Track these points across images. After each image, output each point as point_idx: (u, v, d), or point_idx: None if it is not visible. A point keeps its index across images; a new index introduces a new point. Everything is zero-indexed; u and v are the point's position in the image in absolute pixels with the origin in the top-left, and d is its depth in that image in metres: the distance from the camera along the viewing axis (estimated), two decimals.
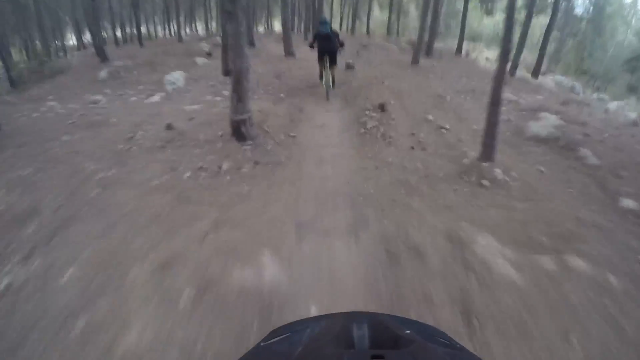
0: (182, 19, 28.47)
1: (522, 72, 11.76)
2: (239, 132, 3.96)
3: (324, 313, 0.72)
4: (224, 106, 4.93)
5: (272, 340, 0.58)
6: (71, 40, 22.50)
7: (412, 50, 14.58)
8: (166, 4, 19.04)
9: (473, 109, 5.94)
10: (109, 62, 9.96)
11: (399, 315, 0.79)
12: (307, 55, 9.55)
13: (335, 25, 28.60)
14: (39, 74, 11.78)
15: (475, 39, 25.15)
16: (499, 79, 3.40)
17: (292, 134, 4.45)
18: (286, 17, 8.89)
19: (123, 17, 19.64)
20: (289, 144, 4.20)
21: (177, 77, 7.08)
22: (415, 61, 8.84)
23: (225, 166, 3.63)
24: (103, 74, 8.76)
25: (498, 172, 3.44)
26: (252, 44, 11.78)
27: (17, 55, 14.59)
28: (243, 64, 3.69)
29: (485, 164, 3.51)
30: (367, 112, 5.17)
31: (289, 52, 9.11)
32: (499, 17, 21.17)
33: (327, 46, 5.98)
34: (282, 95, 5.89)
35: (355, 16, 21.51)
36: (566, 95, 9.02)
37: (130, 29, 19.95)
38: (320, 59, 6.09)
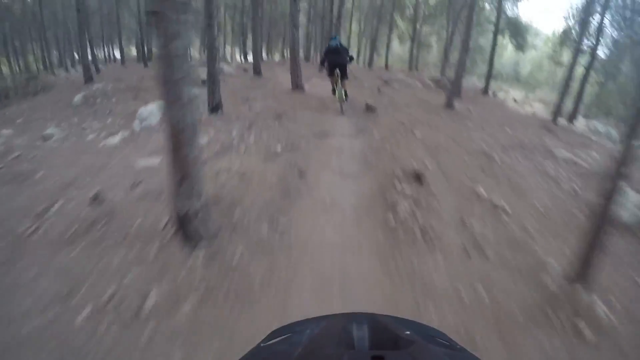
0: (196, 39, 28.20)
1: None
2: (185, 229, 2.32)
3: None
4: None
5: (272, 341, 0.57)
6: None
7: (435, 86, 13.26)
8: None
9: (528, 174, 4.34)
10: (92, 83, 8.70)
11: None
12: (319, 90, 8.12)
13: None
14: (25, 90, 10.68)
15: (496, 76, 23.91)
16: (621, 166, 1.81)
17: (280, 226, 2.78)
18: (294, 44, 7.52)
19: (130, 33, 18.94)
20: (272, 248, 2.53)
21: (152, 110, 5.62)
22: (449, 105, 7.29)
23: (151, 300, 2.00)
24: (78, 98, 7.42)
25: (601, 309, 1.96)
26: (258, 72, 10.50)
27: (12, 67, 13.70)
28: (184, 117, 2.06)
29: (580, 292, 1.92)
30: (396, 183, 3.52)
31: (296, 85, 7.68)
32: (534, 54, 19.96)
33: (338, 59, 5.99)
34: (278, 147, 4.30)
35: (373, 49, 20.49)
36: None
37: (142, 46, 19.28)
38: (331, 73, 6.08)
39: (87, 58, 9.55)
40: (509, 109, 11.34)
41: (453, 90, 7.35)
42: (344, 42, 25.58)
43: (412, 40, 19.14)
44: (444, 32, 21.73)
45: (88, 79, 8.76)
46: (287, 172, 3.67)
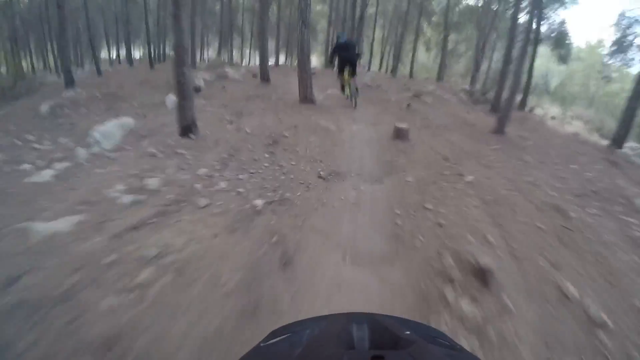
0: (203, 40, 27.31)
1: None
2: None
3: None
4: (129, 226, 2.02)
5: (272, 341, 0.57)
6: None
7: (470, 100, 11.53)
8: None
9: (617, 244, 2.86)
10: (71, 88, 7.53)
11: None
12: (335, 103, 6.62)
13: (375, 66, 26.30)
14: (12, 93, 9.71)
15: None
16: None
17: None
18: (304, 46, 5.99)
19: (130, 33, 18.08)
20: None
21: (112, 130, 4.28)
22: (499, 130, 5.64)
23: None
24: (45, 108, 6.22)
25: None
26: (265, 79, 9.12)
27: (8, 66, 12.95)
28: None
29: None
30: (446, 290, 2.01)
31: (305, 97, 6.20)
32: (576, 65, 17.74)
33: (347, 55, 5.94)
34: (259, 200, 2.80)
35: (398, 57, 18.91)
36: None
37: (151, 46, 18.36)
38: (341, 70, 6.08)
39: (69, 59, 8.41)
40: (553, 130, 9.49)
41: (506, 113, 5.68)
42: (366, 48, 24.21)
43: (443, 48, 17.37)
44: (472, 41, 20.00)
45: (69, 83, 7.61)
46: (262, 257, 2.17)
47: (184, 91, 3.87)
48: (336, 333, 0.54)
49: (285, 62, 26.67)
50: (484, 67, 19.70)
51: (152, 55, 19.41)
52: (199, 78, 8.37)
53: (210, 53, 27.77)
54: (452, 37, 21.51)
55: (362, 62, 27.22)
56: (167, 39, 23.15)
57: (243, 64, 22.58)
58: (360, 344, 0.52)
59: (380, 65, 26.34)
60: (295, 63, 27.40)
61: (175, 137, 4.06)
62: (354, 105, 6.23)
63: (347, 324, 0.57)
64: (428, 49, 25.54)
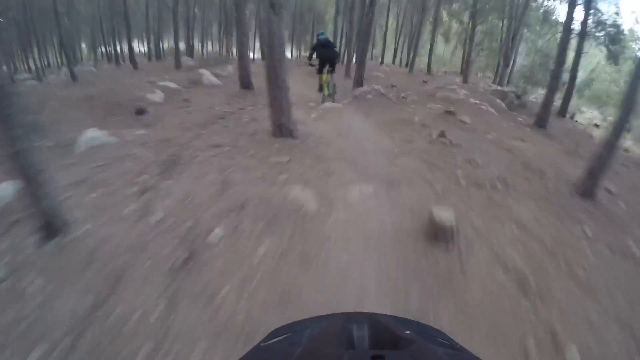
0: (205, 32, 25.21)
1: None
2: None
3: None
4: None
5: (272, 341, 0.57)
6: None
7: (507, 107, 9.22)
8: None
9: None
10: None
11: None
12: (326, 128, 4.52)
13: (388, 59, 23.71)
14: None
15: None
16: None
17: None
18: (274, 47, 3.57)
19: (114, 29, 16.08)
20: None
21: None
22: (589, 191, 3.48)
23: None
24: None
25: None
26: (246, 85, 7.05)
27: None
28: None
29: None
30: None
31: (280, 129, 4.05)
32: (627, 67, 14.84)
33: (327, 53, 6.09)
34: None
35: (415, 49, 16.42)
36: None
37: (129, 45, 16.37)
38: (321, 70, 6.22)
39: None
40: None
41: (598, 163, 3.48)
42: (379, 39, 21.64)
43: (469, 40, 14.85)
44: (496, 32, 17.15)
45: None
46: None
47: (28, 170, 1.91)
48: (336, 332, 0.53)
49: (294, 57, 24.32)
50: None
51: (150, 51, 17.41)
52: (158, 89, 6.33)
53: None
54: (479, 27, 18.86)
55: (375, 53, 24.67)
56: (164, 31, 21.19)
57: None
58: (361, 343, 0.51)
59: (394, 57, 23.80)
60: (294, 57, 25.10)
61: (28, 241, 2.09)
62: (322, 102, 6.39)
63: (347, 324, 0.56)
64: (447, 41, 22.66)
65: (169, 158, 3.58)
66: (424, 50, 20.82)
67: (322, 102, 6.47)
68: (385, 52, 23.16)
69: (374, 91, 7.18)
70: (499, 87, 12.02)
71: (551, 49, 14.62)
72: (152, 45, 18.84)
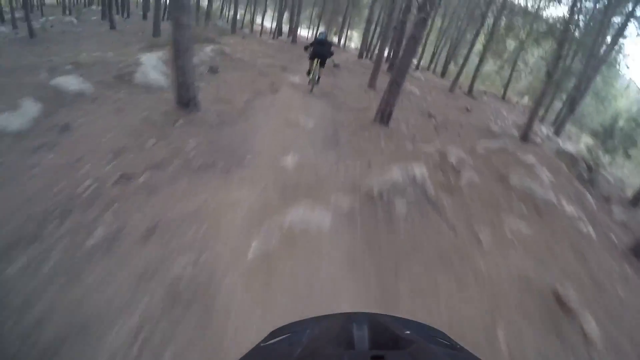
0: None
1: None
2: None
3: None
4: None
5: (272, 341, 0.56)
6: None
7: (572, 173, 7.32)
8: None
9: None
10: None
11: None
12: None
13: (425, 60, 21.69)
14: None
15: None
16: None
17: None
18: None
19: None
20: None
21: None
22: None
23: None
24: None
25: None
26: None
27: None
28: None
29: None
30: None
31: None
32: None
33: (320, 50, 6.66)
34: None
35: (463, 65, 14.67)
36: None
37: None
38: (312, 60, 6.74)
39: None
40: None
41: None
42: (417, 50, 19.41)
43: (549, 75, 12.61)
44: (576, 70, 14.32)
45: None
46: None
47: None
48: (336, 333, 0.53)
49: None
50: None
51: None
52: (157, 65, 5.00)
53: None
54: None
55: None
56: None
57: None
58: (360, 343, 0.50)
59: (431, 62, 21.60)
60: (353, 47, 23.22)
61: None
62: (310, 91, 6.98)
63: (347, 324, 0.56)
64: (498, 58, 20.37)
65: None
66: (463, 59, 18.81)
67: (308, 83, 7.11)
68: (424, 54, 21.22)
69: (412, 185, 3.42)
70: (567, 149, 8.65)
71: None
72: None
